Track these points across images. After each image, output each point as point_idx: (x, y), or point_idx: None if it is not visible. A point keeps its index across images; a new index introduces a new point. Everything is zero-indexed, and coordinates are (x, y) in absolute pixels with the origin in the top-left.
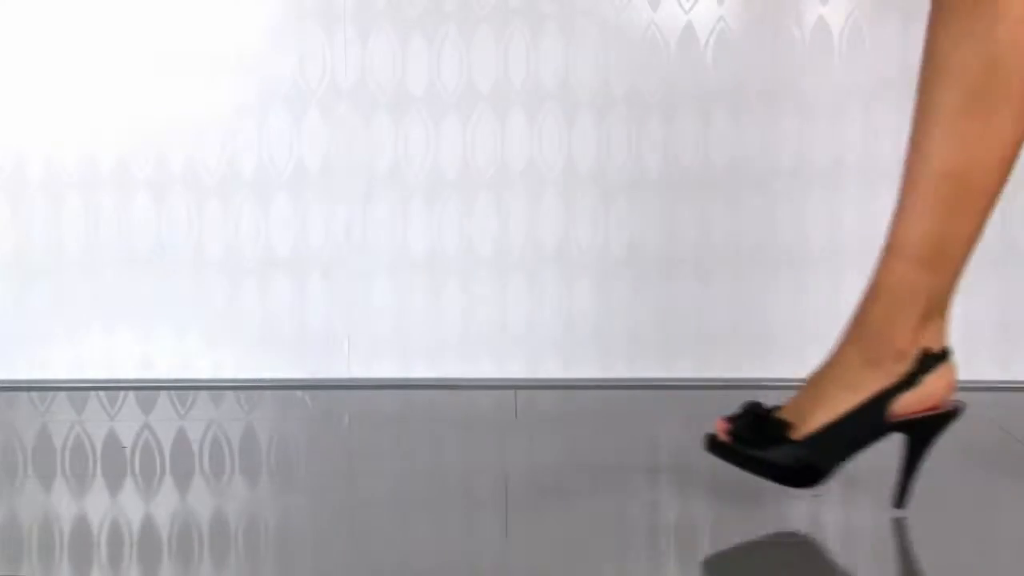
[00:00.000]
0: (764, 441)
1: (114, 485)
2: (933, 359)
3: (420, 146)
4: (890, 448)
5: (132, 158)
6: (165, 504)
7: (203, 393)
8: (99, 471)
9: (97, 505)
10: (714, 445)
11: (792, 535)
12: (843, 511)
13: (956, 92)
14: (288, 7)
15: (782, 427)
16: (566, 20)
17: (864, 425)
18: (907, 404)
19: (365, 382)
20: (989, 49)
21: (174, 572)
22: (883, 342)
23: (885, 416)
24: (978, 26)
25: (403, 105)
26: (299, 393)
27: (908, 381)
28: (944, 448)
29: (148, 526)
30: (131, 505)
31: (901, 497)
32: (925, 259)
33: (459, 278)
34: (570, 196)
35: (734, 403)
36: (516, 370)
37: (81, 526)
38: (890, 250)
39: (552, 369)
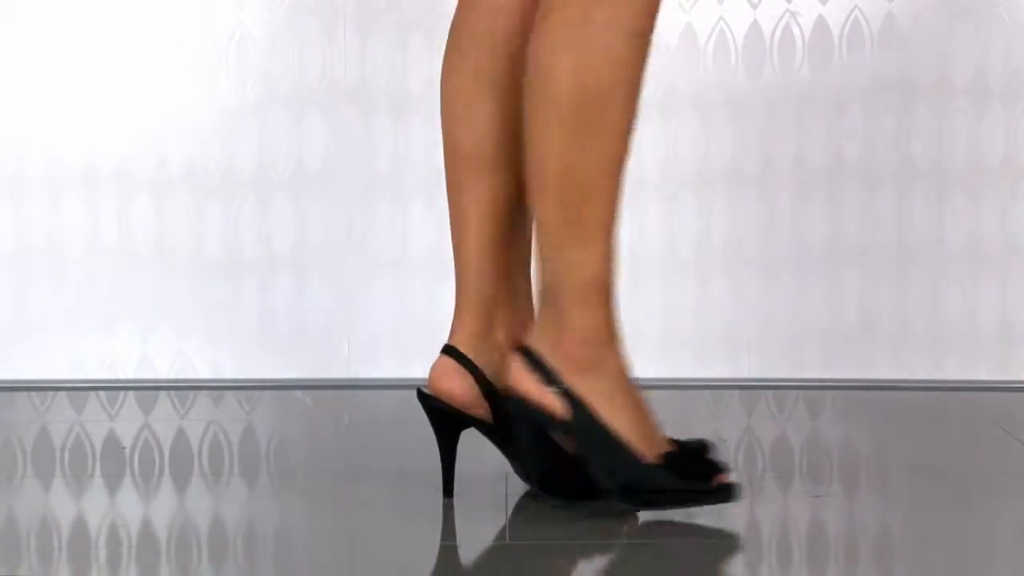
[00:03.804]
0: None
1: (113, 485)
2: None
3: (420, 146)
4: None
5: (132, 158)
6: (164, 504)
7: (203, 393)
8: (98, 471)
9: (96, 505)
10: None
11: (796, 536)
12: (844, 509)
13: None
14: (288, 7)
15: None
16: None
17: None
18: None
19: (365, 382)
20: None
21: (173, 573)
22: None
23: None
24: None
25: (403, 105)
26: (299, 393)
27: None
28: (944, 447)
29: (147, 526)
30: (130, 505)
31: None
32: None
33: None
34: None
35: (732, 402)
36: None
37: (80, 526)
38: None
39: None
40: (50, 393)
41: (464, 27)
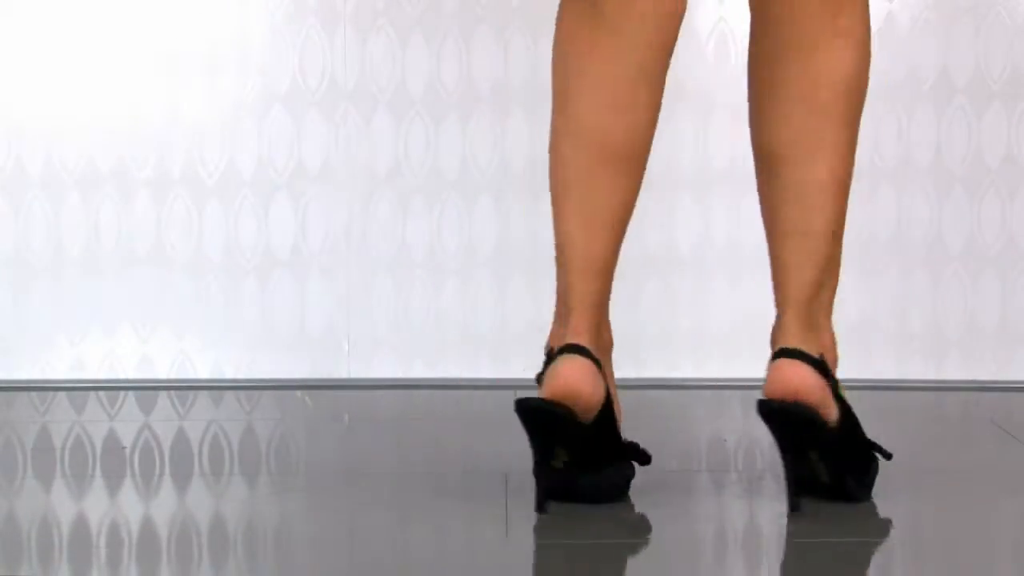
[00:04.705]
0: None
1: (114, 485)
2: (551, 356)
3: (420, 146)
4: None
5: (132, 158)
6: (164, 504)
7: (203, 393)
8: (99, 471)
9: (97, 505)
10: None
11: (796, 535)
12: (844, 509)
13: None
14: (288, 7)
15: None
16: None
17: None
18: (542, 391)
19: (365, 382)
20: None
21: (173, 572)
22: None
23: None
24: None
25: (403, 105)
26: (299, 393)
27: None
28: (944, 447)
29: (147, 526)
30: (131, 505)
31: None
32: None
33: (459, 278)
34: None
35: (732, 402)
36: (516, 370)
37: (81, 526)
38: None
39: None
40: (50, 393)
41: (620, 17)
